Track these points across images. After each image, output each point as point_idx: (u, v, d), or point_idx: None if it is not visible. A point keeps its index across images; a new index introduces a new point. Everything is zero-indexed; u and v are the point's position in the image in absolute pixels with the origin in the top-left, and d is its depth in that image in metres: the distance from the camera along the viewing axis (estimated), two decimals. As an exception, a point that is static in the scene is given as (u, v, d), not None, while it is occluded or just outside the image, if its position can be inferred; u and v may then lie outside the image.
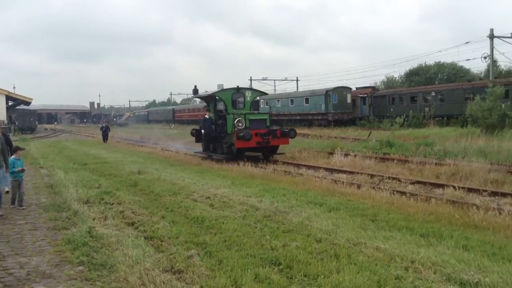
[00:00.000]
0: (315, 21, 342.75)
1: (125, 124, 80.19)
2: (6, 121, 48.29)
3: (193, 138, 20.10)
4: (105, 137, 32.04)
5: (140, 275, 4.91)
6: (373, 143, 20.73)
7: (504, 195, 9.73)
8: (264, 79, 71.98)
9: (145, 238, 6.54)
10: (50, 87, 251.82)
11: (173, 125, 63.98)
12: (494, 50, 39.52)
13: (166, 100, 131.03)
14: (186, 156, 19.68)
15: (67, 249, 6.11)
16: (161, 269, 5.16)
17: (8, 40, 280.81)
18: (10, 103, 57.07)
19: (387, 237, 6.21)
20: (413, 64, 65.98)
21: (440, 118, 33.67)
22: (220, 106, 19.44)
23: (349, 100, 43.31)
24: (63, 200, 9.46)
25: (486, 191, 9.95)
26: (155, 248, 6.09)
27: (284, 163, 16.64)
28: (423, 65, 61.72)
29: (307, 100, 45.58)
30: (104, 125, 34.21)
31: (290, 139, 17.57)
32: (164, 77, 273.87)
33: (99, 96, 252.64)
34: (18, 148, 9.76)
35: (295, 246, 5.87)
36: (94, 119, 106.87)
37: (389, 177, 12.21)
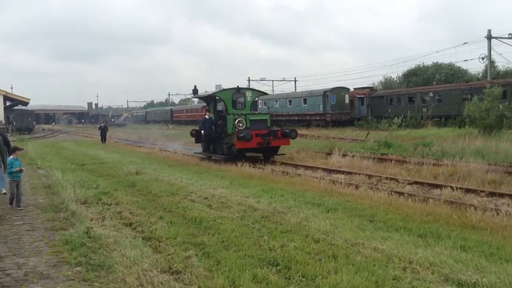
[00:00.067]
0: (313, 22, 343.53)
1: (123, 124, 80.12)
2: (3, 122, 48.22)
3: (191, 139, 20.08)
4: (103, 138, 31.98)
5: (138, 275, 4.91)
6: (371, 144, 20.74)
7: (501, 195, 9.74)
8: (262, 80, 71.95)
9: (143, 238, 6.53)
10: (48, 87, 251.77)
11: (171, 126, 63.90)
12: (492, 51, 39.66)
13: (164, 101, 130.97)
14: (184, 157, 19.65)
15: (65, 249, 6.10)
16: (159, 269, 5.15)
17: (6, 40, 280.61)
18: (8, 103, 57.01)
19: (385, 238, 6.22)
20: (411, 65, 66.19)
21: (438, 119, 33.73)
22: (220, 106, 19.36)
23: (347, 100, 43.35)
24: (60, 201, 9.44)
25: (483, 191, 9.97)
26: (153, 248, 6.08)
27: (282, 163, 16.64)
28: (421, 65, 61.84)
29: (305, 101, 45.60)
30: (102, 125, 34.13)
31: (291, 140, 17.47)
32: (162, 77, 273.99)
33: (97, 96, 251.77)
34: (16, 148, 9.73)
35: (293, 247, 5.87)
36: (92, 120, 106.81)
37: (387, 178, 12.22)
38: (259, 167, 15.36)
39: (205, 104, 57.45)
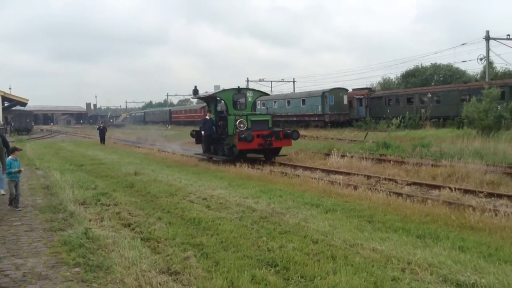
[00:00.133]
0: (312, 22, 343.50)
1: (122, 125, 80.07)
2: (2, 122, 48.16)
3: (190, 139, 20.01)
4: (102, 138, 31.89)
5: (136, 276, 4.90)
6: (370, 144, 20.75)
7: (500, 196, 9.75)
8: (261, 80, 71.93)
9: (141, 239, 6.53)
10: (46, 87, 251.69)
11: (169, 126, 63.94)
12: (490, 52, 39.70)
13: (162, 101, 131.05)
14: (183, 157, 19.64)
15: (63, 250, 6.09)
16: (157, 270, 5.15)
17: (5, 40, 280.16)
18: (6, 104, 56.91)
19: (384, 239, 6.22)
20: (410, 66, 66.29)
21: (437, 120, 33.80)
22: (221, 107, 19.25)
23: (345, 101, 43.40)
24: (59, 201, 9.43)
25: (482, 192, 9.99)
26: (152, 249, 6.07)
27: (280, 164, 16.63)
28: (420, 66, 62.00)
29: (303, 101, 45.64)
30: (101, 126, 34.04)
31: (292, 141, 17.33)
32: (160, 78, 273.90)
33: (96, 97, 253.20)
34: (15, 149, 9.71)
35: (292, 248, 5.86)
36: (91, 120, 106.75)
37: (385, 178, 12.23)
38: (258, 168, 15.36)
39: (203, 104, 57.71)
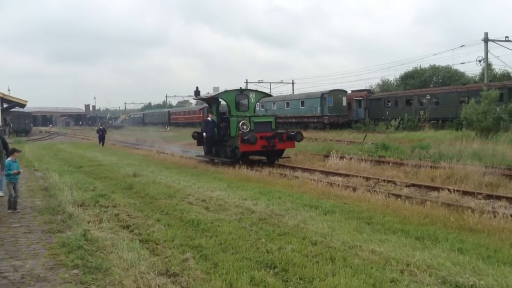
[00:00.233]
0: (310, 24, 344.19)
1: (121, 126, 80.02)
2: (1, 124, 48.10)
3: (189, 141, 19.91)
4: (101, 140, 31.71)
5: (135, 278, 4.90)
6: (369, 146, 20.77)
7: (498, 198, 9.76)
8: (260, 82, 71.98)
9: (140, 241, 6.52)
10: (45, 89, 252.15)
11: (168, 128, 63.87)
12: (488, 54, 39.80)
13: (161, 103, 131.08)
14: (182, 159, 19.61)
15: (62, 252, 6.08)
16: (156, 272, 5.14)
17: (3, 42, 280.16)
18: (5, 105, 56.82)
19: (383, 240, 6.22)
20: (408, 67, 66.37)
21: (435, 121, 33.85)
22: (223, 108, 19.04)
23: (344, 103, 43.45)
24: (58, 203, 9.41)
25: (481, 194, 9.99)
26: (150, 251, 6.07)
27: (279, 166, 16.63)
28: (418, 68, 62.16)
29: (302, 103, 45.68)
30: (100, 128, 33.87)
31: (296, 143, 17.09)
32: (159, 79, 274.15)
33: (94, 98, 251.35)
34: (14, 150, 9.69)
35: (291, 249, 5.86)
36: (90, 122, 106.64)
37: (384, 180, 12.23)
38: (257, 170, 15.34)
39: (202, 106, 57.66)
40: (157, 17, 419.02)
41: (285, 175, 13.93)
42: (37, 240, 6.79)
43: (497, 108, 24.54)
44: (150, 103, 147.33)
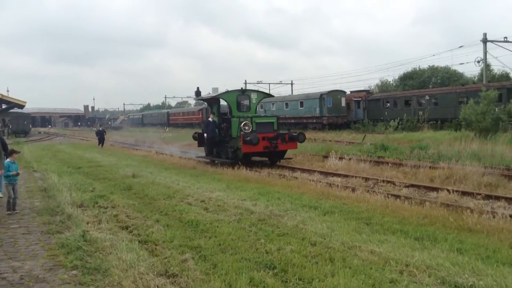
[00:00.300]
0: (310, 25, 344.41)
1: (120, 127, 79.99)
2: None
3: (188, 141, 19.85)
4: (101, 141, 31.62)
5: (134, 279, 4.89)
6: (368, 147, 20.79)
7: (497, 198, 9.76)
8: (259, 83, 71.94)
9: (139, 242, 6.52)
10: (44, 90, 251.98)
11: (167, 129, 63.86)
12: (487, 54, 39.87)
13: (160, 104, 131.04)
14: (181, 160, 19.60)
15: (61, 253, 6.07)
16: (155, 273, 5.14)
17: (2, 43, 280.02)
18: (3, 106, 56.76)
19: (382, 241, 6.22)
20: (407, 68, 66.56)
21: (434, 122, 33.89)
22: (224, 108, 18.92)
23: (343, 103, 43.48)
24: (56, 204, 9.40)
25: (480, 194, 10.00)
26: (149, 252, 6.06)
27: (278, 166, 16.62)
28: (417, 69, 62.27)
29: (301, 104, 45.71)
30: (100, 129, 33.80)
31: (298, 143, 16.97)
32: (158, 80, 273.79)
33: (93, 99, 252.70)
34: (13, 151, 9.67)
35: (290, 250, 5.86)
36: (89, 123, 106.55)
37: (383, 181, 12.24)
38: (256, 170, 15.33)
39: (201, 107, 57.62)
40: (156, 17, 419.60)
41: (284, 175, 13.92)
42: (36, 241, 6.78)
43: (496, 108, 24.57)
44: (149, 104, 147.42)
